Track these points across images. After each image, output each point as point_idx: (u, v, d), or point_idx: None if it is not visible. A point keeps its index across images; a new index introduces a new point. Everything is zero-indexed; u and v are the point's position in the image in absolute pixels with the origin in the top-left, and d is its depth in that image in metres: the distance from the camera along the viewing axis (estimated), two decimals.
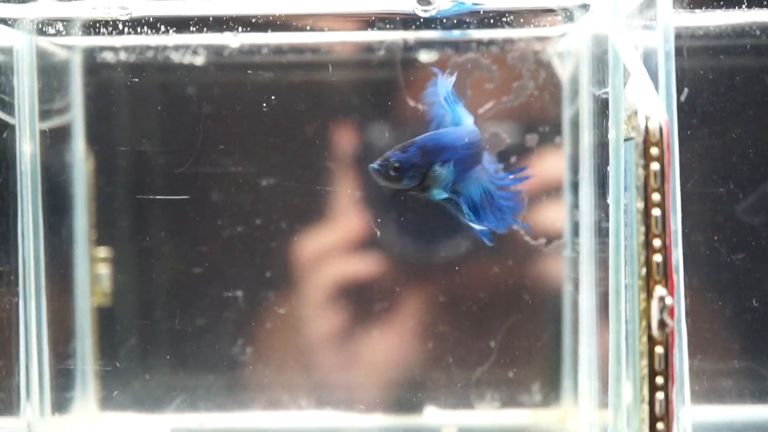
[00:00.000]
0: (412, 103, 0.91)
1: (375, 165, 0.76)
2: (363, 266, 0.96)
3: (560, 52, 0.93)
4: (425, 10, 0.78)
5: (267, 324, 0.97)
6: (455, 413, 0.97)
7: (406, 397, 0.98)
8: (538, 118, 0.93)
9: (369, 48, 0.92)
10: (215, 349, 0.98)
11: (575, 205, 0.88)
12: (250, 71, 0.95)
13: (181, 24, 0.85)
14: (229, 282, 0.97)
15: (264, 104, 0.92)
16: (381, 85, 0.95)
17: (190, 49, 0.96)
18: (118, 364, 0.99)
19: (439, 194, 0.76)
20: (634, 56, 0.70)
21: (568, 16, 0.83)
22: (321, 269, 0.97)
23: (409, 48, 0.92)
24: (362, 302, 0.97)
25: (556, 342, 0.96)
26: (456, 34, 0.90)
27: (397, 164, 0.75)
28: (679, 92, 0.75)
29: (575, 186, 0.89)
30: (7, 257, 0.87)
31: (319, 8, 0.81)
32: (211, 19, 0.85)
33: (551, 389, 0.97)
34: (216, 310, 0.97)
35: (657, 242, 0.65)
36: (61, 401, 0.96)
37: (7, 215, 0.87)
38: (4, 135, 0.86)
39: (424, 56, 0.94)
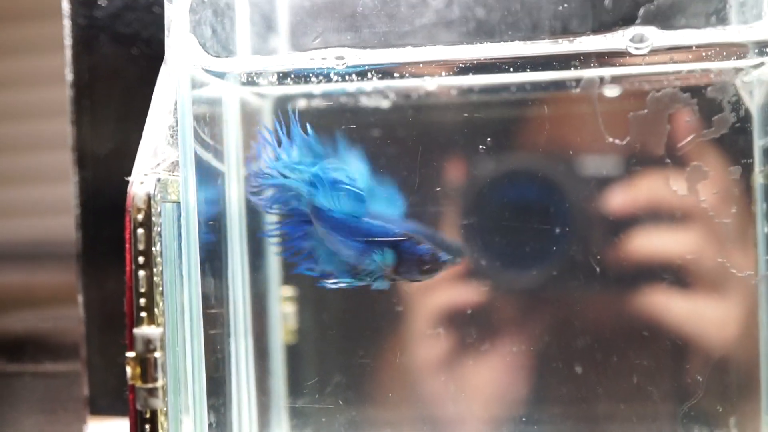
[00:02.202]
0: (609, 138, 0.91)
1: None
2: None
3: (749, 81, 0.92)
4: (638, 48, 0.79)
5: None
6: None
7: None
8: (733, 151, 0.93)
9: (566, 85, 0.93)
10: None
11: None
12: (439, 111, 0.98)
13: (384, 72, 0.88)
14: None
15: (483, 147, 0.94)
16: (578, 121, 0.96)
17: (379, 93, 0.99)
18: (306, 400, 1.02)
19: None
20: None
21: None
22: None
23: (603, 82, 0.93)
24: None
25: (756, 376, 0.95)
26: None
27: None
28: None
29: None
30: (221, 300, 0.90)
31: (534, 50, 0.82)
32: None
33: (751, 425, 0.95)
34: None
35: None
36: None
37: (221, 259, 0.90)
38: (218, 183, 0.90)
39: (609, 92, 0.95)
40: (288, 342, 1.04)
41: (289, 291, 1.05)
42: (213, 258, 0.88)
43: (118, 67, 1.07)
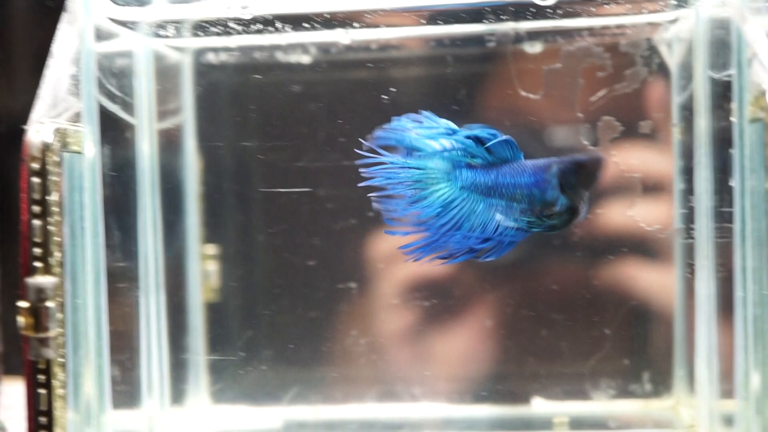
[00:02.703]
0: (523, 93, 0.91)
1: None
2: None
3: (669, 38, 0.92)
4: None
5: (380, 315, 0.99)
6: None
7: (516, 389, 0.98)
8: (650, 105, 0.93)
9: (479, 40, 0.92)
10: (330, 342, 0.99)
11: (689, 191, 0.87)
12: (357, 68, 0.97)
13: (294, 21, 0.86)
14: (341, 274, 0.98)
15: (381, 98, 0.93)
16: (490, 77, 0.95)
17: (298, 47, 0.98)
18: (231, 358, 1.01)
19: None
20: (761, 36, 0.69)
21: (682, 1, 0.83)
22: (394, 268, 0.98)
23: (519, 39, 0.92)
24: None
25: (667, 331, 0.95)
26: None
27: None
28: None
29: (688, 172, 0.88)
30: (129, 254, 0.89)
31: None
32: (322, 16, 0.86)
33: (663, 379, 0.96)
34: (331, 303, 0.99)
35: None
36: (176, 394, 0.98)
37: (128, 213, 0.89)
38: (126, 135, 0.89)
39: (530, 48, 0.94)
40: (209, 300, 1.03)
41: (211, 249, 1.04)
42: (120, 211, 0.87)
43: (32, 20, 1.05)
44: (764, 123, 0.66)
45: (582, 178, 0.75)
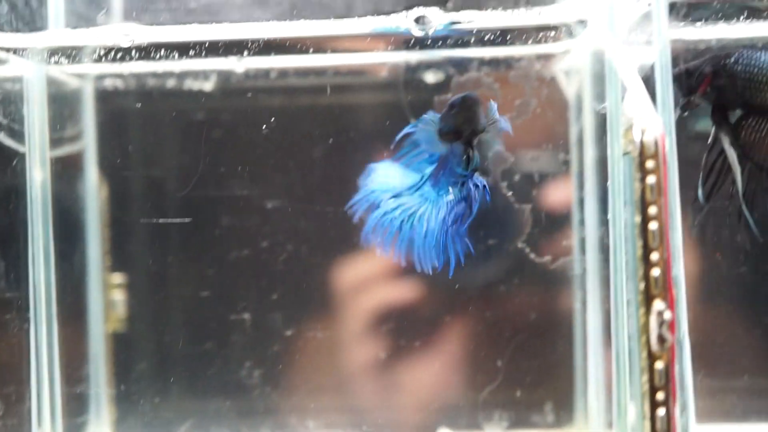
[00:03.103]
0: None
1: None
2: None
3: (566, 69, 0.93)
4: (422, 29, 0.78)
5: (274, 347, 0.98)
6: None
7: (417, 418, 0.98)
8: (546, 136, 0.93)
9: (373, 70, 0.93)
10: (226, 373, 0.98)
11: (582, 222, 0.88)
12: (256, 95, 0.96)
13: (182, 49, 0.86)
14: (236, 304, 0.97)
15: (266, 127, 0.93)
16: (387, 108, 0.95)
17: (199, 75, 0.97)
18: (130, 388, 1.00)
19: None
20: (631, 70, 0.70)
21: (569, 32, 0.83)
22: (360, 296, 0.98)
23: (414, 69, 0.92)
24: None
25: (568, 361, 0.95)
26: None
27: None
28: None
29: (581, 203, 0.88)
30: (17, 284, 0.88)
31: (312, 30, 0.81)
32: (213, 43, 0.85)
33: (563, 409, 0.96)
34: (226, 334, 0.98)
35: (655, 256, 0.65)
36: (73, 427, 0.96)
37: (17, 242, 0.88)
38: (14, 163, 0.88)
39: (431, 77, 0.94)
40: (116, 329, 1.02)
41: (118, 278, 1.02)
42: (7, 240, 0.86)
43: None
44: (632, 156, 0.66)
45: (462, 116, 0.75)
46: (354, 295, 0.97)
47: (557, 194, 0.93)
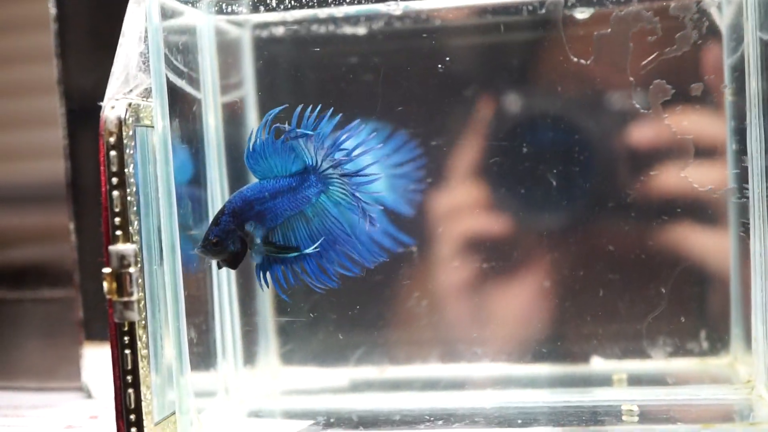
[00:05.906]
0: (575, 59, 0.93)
1: (198, 249, 0.83)
2: None
3: (718, 0, 0.93)
4: None
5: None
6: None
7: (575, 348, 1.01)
8: (702, 68, 0.94)
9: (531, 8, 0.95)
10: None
11: (742, 152, 0.89)
12: (411, 38, 0.99)
13: None
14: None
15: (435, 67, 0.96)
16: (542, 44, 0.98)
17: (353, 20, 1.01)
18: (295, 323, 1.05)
19: (257, 257, 0.83)
20: None
21: None
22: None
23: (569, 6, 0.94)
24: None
25: (724, 289, 0.97)
26: None
27: (215, 239, 0.82)
28: None
29: (741, 132, 0.89)
30: (200, 223, 0.93)
31: None
32: None
33: (720, 336, 0.98)
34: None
35: None
36: (248, 356, 1.03)
37: (198, 181, 0.93)
38: (194, 109, 0.93)
39: (579, 14, 0.96)
40: None
41: None
42: (192, 180, 0.91)
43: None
44: None
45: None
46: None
47: (712, 125, 0.94)
